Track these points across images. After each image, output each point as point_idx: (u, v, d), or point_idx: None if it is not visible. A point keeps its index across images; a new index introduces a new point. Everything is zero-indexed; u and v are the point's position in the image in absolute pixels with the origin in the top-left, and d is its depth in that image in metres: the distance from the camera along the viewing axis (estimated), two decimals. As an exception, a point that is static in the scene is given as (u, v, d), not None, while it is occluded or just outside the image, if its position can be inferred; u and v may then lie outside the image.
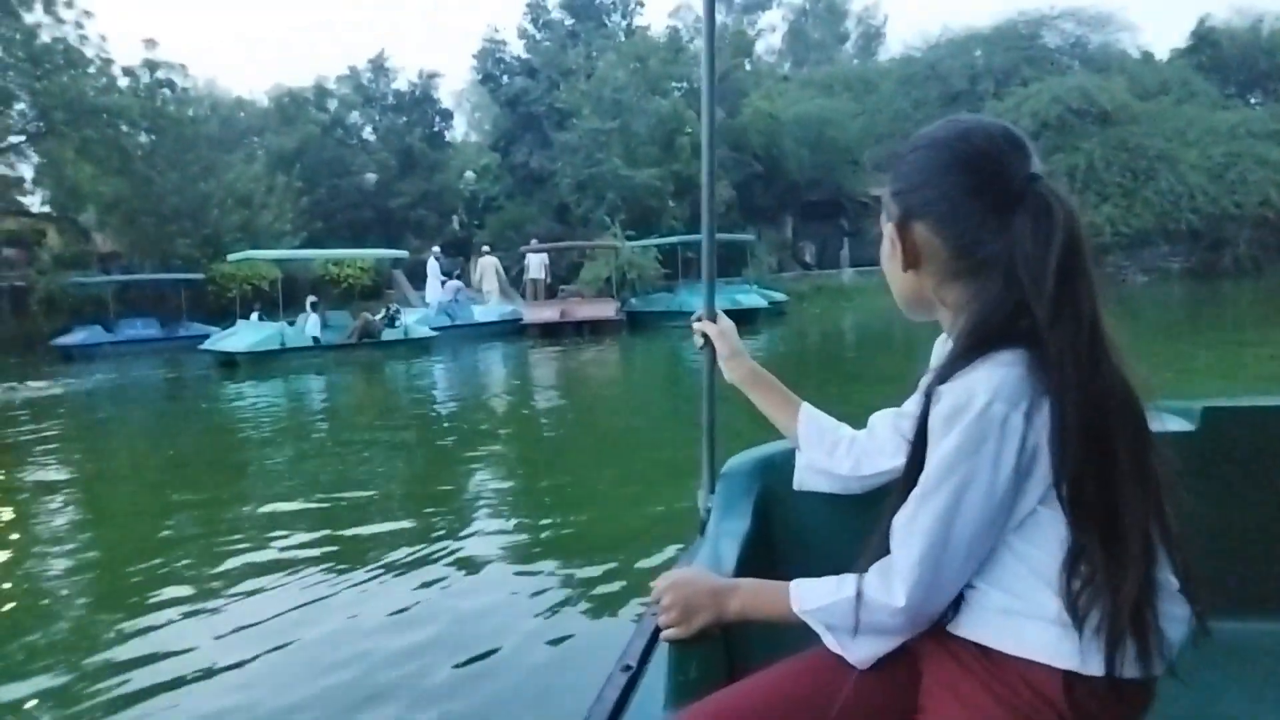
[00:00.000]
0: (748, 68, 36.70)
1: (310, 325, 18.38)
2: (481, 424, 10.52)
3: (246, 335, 18.40)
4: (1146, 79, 34.72)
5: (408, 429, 10.30)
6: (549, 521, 5.78)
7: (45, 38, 23.72)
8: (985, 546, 1.04)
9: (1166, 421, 1.52)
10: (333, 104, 34.91)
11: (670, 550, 4.32)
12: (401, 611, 4.23)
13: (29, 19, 23.50)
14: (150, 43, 25.63)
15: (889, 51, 49.83)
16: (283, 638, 3.99)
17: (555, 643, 3.80)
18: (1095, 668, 0.99)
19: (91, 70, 24.60)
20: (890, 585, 1.06)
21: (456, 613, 4.22)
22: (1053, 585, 1.00)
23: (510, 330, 21.67)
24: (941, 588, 1.05)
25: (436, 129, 36.85)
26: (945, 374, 1.03)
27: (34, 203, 28.83)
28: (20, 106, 24.33)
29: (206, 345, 19.17)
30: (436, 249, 25.24)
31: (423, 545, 5.24)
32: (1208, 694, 1.08)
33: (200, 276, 24.78)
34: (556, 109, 30.55)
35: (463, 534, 5.52)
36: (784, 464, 1.70)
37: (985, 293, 1.04)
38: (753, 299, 22.94)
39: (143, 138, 25.60)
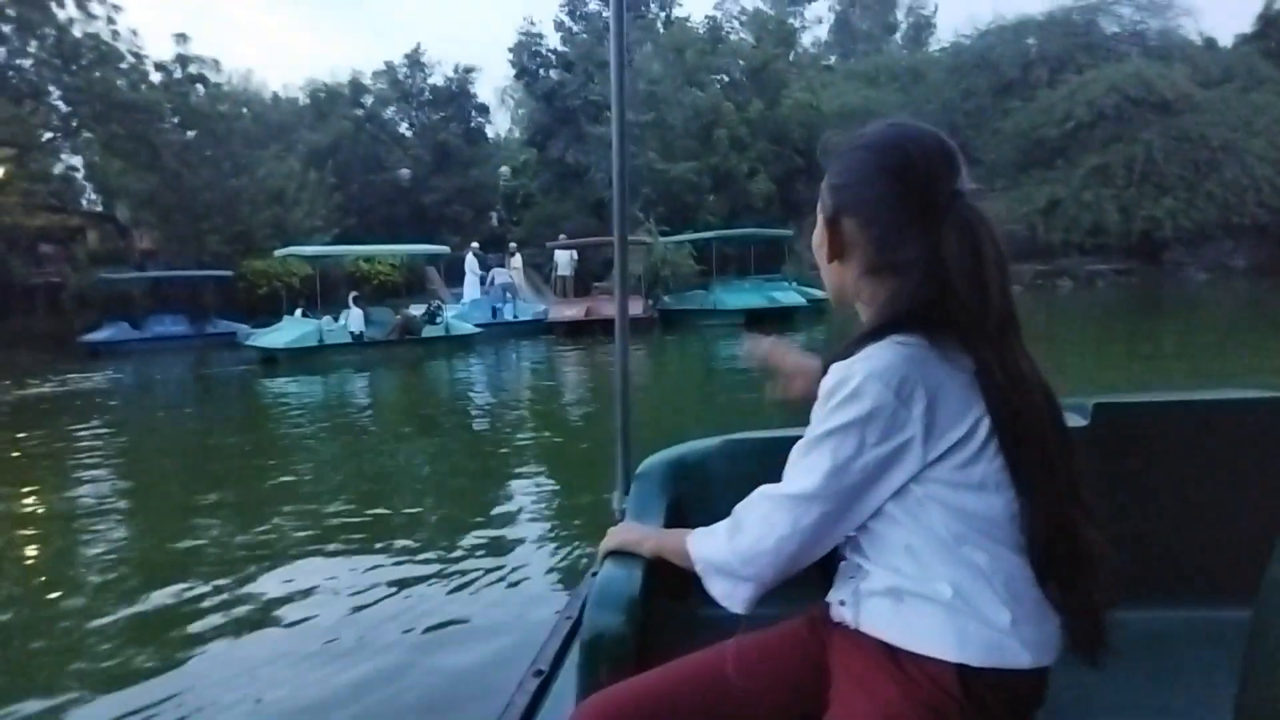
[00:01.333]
0: (791, 58, 35.65)
1: (353, 321, 18.09)
2: (505, 426, 10.21)
3: (285, 332, 18.23)
4: (1209, 66, 33.06)
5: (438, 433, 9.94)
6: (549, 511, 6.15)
7: (77, 33, 23.59)
8: (851, 514, 1.10)
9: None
10: (368, 100, 34.64)
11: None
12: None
13: (60, 14, 23.39)
14: (182, 37, 25.45)
15: (940, 42, 48.26)
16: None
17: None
18: (991, 660, 1.03)
19: (123, 65, 24.43)
20: (754, 532, 1.15)
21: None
22: (941, 569, 1.06)
23: (540, 329, 21.08)
24: (798, 547, 1.12)
25: (473, 124, 36.46)
26: (842, 352, 1.09)
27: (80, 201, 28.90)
28: (51, 102, 24.26)
29: (250, 341, 19.01)
30: (475, 245, 24.70)
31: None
32: (1103, 681, 1.10)
33: (229, 273, 24.54)
34: (592, 102, 29.90)
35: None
36: (697, 464, 1.81)
37: (901, 290, 1.10)
38: (791, 297, 22.10)
39: (174, 134, 25.39)
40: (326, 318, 18.28)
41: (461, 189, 33.62)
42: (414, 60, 35.35)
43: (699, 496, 1.72)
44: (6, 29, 23.10)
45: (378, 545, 5.40)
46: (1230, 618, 1.20)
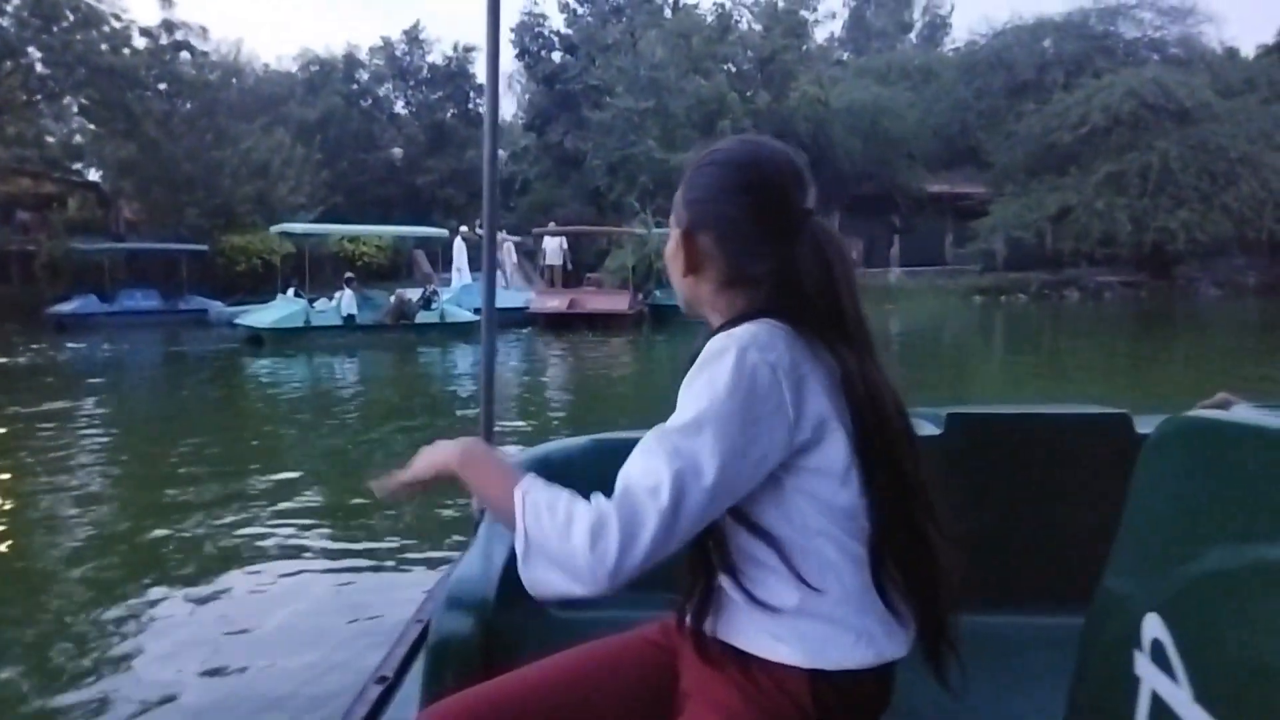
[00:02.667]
0: (804, 50, 34.61)
1: (345, 303, 17.38)
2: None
3: (271, 311, 17.60)
4: (1230, 76, 32.08)
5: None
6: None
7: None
8: (724, 498, 1.03)
9: (917, 425, 1.58)
10: (363, 75, 33.67)
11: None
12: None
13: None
14: (167, 1, 24.42)
15: (955, 42, 47.30)
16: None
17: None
18: (842, 661, 1.04)
19: (106, 29, 23.44)
20: (635, 519, 0.99)
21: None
22: (791, 575, 1.05)
23: (522, 319, 20.19)
24: (678, 531, 1.01)
25: (471, 105, 35.50)
26: (705, 341, 1.08)
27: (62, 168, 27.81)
28: (29, 64, 23.28)
29: (238, 320, 18.30)
30: (464, 230, 23.81)
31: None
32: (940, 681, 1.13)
33: (203, 248, 23.62)
34: (593, 87, 28.98)
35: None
36: (563, 464, 1.75)
37: (756, 299, 1.12)
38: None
39: (155, 101, 24.39)
40: (322, 299, 17.59)
41: (456, 171, 32.67)
42: (412, 37, 34.37)
43: None
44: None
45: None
46: (1066, 624, 1.22)
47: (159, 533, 5.42)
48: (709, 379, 1.01)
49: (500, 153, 28.53)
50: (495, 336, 2.05)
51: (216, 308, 21.73)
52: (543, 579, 1.03)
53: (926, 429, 1.79)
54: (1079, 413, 1.91)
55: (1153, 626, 0.93)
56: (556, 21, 33.42)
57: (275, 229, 20.69)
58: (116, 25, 23.69)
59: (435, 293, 18.77)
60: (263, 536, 5.29)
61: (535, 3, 33.23)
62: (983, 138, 33.05)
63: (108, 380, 14.02)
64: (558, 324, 18.99)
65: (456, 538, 4.65)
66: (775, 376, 1.01)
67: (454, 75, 34.51)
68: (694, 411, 1.01)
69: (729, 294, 1.15)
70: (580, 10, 32.98)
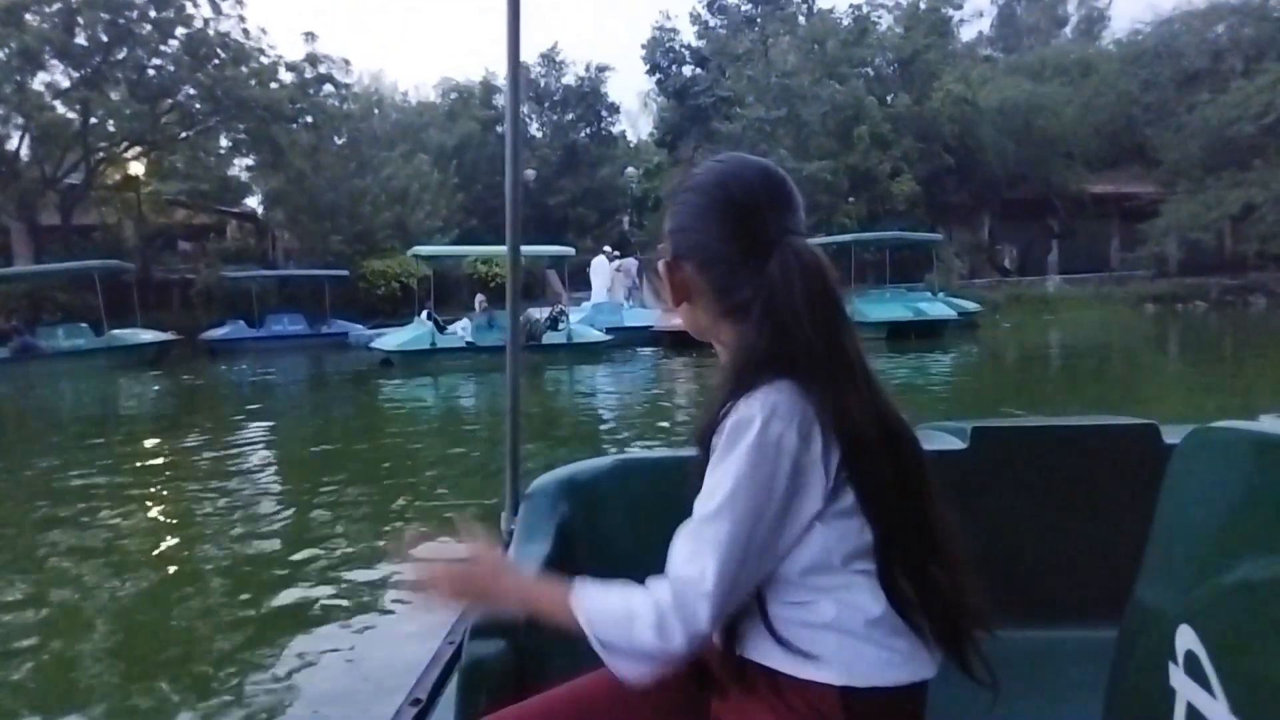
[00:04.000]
0: (949, 49, 32.87)
1: (463, 329, 17.51)
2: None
3: (400, 335, 17.81)
4: None
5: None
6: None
7: (210, 32, 23.77)
8: (769, 564, 1.06)
9: (941, 440, 1.71)
10: (500, 100, 34.12)
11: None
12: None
13: (194, 13, 23.67)
14: (310, 36, 25.31)
15: (1115, 34, 44.18)
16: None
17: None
18: (873, 678, 1.03)
19: (254, 65, 24.50)
20: (688, 610, 1.03)
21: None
22: (828, 592, 1.05)
23: (649, 337, 19.65)
24: (730, 607, 1.06)
25: (604, 124, 35.45)
26: (716, 412, 1.07)
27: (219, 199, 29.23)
28: (184, 101, 24.56)
29: (373, 344, 18.62)
30: (607, 248, 23.65)
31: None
32: (976, 701, 1.11)
33: (345, 273, 24.22)
34: (723, 99, 28.32)
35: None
36: (589, 484, 1.82)
37: (746, 333, 1.10)
38: (938, 309, 19.93)
39: (302, 134, 25.28)
40: (458, 321, 17.75)
41: (588, 190, 32.62)
42: (549, 59, 34.61)
43: (589, 517, 1.75)
44: (146, 29, 23.45)
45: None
46: (1099, 637, 1.20)
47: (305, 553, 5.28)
48: (738, 458, 1.01)
49: (632, 170, 28.43)
50: (520, 367, 1.97)
51: (356, 330, 22.19)
52: (628, 670, 1.07)
53: (952, 444, 1.79)
54: (1106, 423, 1.88)
55: (1186, 638, 0.93)
56: (688, 35, 33.00)
57: (410, 252, 20.95)
58: (264, 61, 24.73)
59: (563, 313, 18.41)
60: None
61: (668, 17, 32.90)
62: (1150, 133, 30.55)
63: (243, 405, 14.22)
64: (683, 341, 18.36)
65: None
66: (800, 440, 1.01)
67: (585, 95, 34.57)
68: (728, 493, 1.02)
69: (725, 324, 1.15)
70: (712, 22, 32.42)
